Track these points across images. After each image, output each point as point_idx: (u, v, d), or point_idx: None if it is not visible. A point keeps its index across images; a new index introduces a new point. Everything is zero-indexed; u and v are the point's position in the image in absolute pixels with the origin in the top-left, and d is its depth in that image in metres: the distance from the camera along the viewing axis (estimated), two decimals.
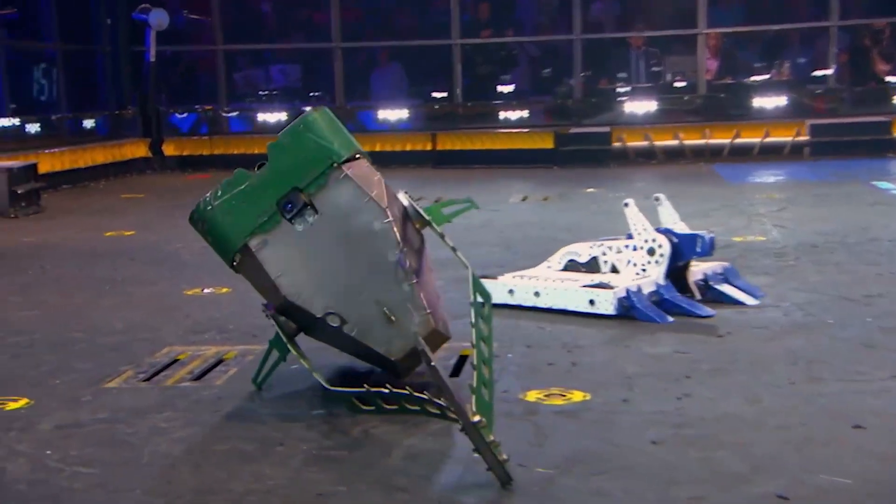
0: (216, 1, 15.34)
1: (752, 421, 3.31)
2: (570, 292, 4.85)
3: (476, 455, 2.79)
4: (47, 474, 3.03)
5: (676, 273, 4.90)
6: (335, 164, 3.56)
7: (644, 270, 4.88)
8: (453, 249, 3.46)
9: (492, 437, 2.78)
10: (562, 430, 3.28)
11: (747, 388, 3.65)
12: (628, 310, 4.66)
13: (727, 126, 14.05)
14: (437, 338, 3.61)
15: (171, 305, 5.37)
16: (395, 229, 3.51)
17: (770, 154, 13.64)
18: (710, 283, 4.92)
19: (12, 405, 3.69)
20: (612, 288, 4.73)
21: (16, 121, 13.04)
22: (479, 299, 3.21)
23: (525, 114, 15.09)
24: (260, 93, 16.49)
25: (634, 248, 4.92)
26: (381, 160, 14.38)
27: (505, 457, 2.78)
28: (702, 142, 13.87)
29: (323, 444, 3.19)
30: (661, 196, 5.07)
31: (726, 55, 15.49)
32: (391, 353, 3.54)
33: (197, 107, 15.66)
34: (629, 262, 4.94)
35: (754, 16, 15.63)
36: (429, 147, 14.31)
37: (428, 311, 3.51)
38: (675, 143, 13.86)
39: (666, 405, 3.47)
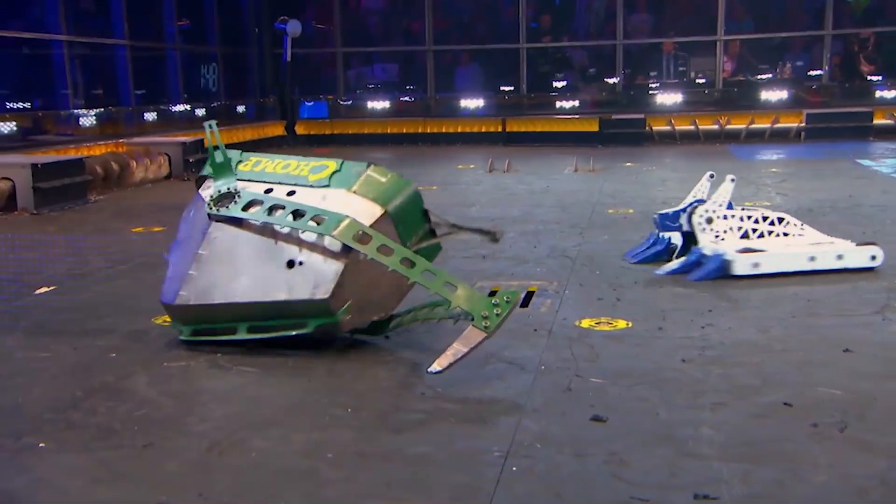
0: (337, 15, 15.49)
1: (763, 346, 3.23)
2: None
3: None
4: None
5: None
6: None
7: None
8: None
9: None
10: (610, 350, 3.24)
11: (758, 320, 3.56)
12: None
13: (742, 114, 13.67)
14: None
15: None
16: None
17: (774, 137, 13.24)
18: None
19: None
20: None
21: (187, 106, 13.31)
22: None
23: (576, 103, 14.89)
24: (369, 86, 16.49)
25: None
26: (462, 139, 14.37)
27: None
28: (718, 127, 13.50)
29: (420, 358, 3.20)
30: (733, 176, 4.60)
31: (740, 58, 15.01)
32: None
33: (321, 96, 15.76)
34: None
35: (762, 26, 15.11)
36: (500, 129, 14.19)
37: None
38: (693, 128, 13.51)
39: (693, 332, 3.41)
